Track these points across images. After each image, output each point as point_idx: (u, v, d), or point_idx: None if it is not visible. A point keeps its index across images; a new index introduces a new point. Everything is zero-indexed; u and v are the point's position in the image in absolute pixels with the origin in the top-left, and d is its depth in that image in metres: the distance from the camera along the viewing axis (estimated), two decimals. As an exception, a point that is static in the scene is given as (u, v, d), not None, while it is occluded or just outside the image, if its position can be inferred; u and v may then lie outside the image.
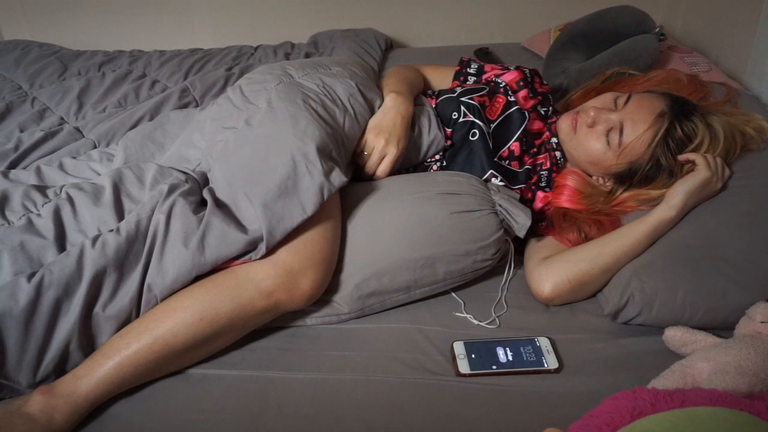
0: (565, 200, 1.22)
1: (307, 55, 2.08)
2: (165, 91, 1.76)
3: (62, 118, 1.66)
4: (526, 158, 1.30)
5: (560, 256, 1.13)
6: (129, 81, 1.87)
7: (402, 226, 1.10)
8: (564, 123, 1.26)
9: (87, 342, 0.95)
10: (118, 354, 0.92)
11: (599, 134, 1.20)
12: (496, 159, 1.27)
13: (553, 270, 1.11)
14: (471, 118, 1.29)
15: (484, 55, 2.10)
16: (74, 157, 1.30)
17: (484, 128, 1.27)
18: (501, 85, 1.36)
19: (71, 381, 0.90)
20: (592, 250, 1.12)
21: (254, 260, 1.01)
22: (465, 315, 1.11)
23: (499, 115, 1.30)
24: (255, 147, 1.07)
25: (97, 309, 0.95)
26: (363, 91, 1.26)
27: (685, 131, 1.16)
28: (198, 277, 1.01)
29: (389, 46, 2.26)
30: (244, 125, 1.12)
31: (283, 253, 1.01)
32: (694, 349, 0.98)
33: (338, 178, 1.04)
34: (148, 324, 0.94)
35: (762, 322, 0.95)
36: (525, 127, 1.29)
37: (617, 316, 1.06)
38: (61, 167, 1.22)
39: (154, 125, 1.35)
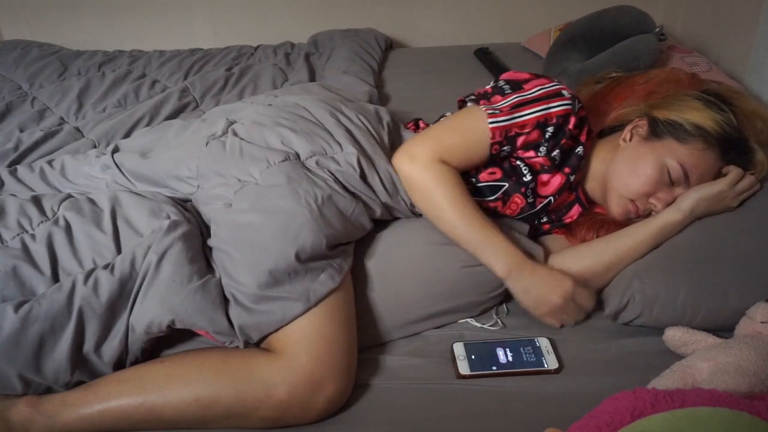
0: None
1: (308, 56, 2.08)
2: (165, 91, 1.76)
3: (62, 118, 1.65)
4: (545, 227, 1.23)
5: (564, 252, 1.14)
6: (129, 81, 1.87)
7: (416, 283, 1.07)
8: (618, 211, 1.14)
9: (78, 378, 0.93)
10: (107, 400, 0.89)
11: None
12: None
13: (556, 265, 1.11)
14: None
15: (484, 55, 2.10)
16: (74, 156, 1.28)
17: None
18: (522, 175, 1.14)
19: (58, 404, 0.89)
20: (596, 248, 1.12)
21: (271, 358, 0.92)
22: (465, 319, 1.11)
23: (518, 215, 1.17)
24: (240, 240, 0.98)
25: (88, 348, 0.92)
26: (370, 183, 1.10)
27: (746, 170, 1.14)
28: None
29: (389, 46, 2.26)
30: (237, 205, 1.02)
31: (303, 358, 0.90)
32: (694, 349, 0.98)
33: (327, 283, 0.96)
34: (146, 381, 0.90)
35: (762, 323, 0.95)
36: (562, 218, 1.21)
37: (617, 317, 1.06)
38: (62, 171, 1.20)
39: (151, 139, 1.27)
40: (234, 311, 0.94)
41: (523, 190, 1.14)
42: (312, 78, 1.92)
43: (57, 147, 1.45)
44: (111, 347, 0.93)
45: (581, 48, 1.81)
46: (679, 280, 1.03)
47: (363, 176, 1.09)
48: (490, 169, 1.15)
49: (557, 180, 1.15)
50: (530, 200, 1.15)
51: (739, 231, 1.09)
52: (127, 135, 1.51)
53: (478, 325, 1.09)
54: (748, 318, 0.98)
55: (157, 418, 0.89)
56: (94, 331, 0.92)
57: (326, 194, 1.02)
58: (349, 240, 1.06)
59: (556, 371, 0.99)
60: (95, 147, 1.46)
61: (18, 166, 1.23)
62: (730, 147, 1.12)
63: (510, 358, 1.00)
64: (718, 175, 1.13)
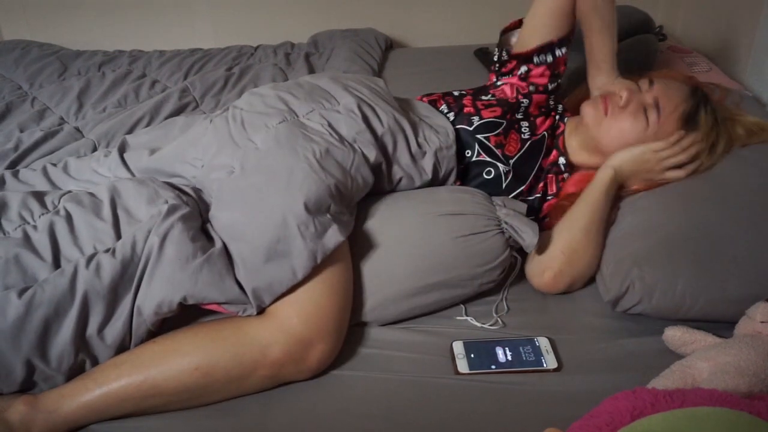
0: (570, 186, 1.26)
1: (308, 56, 2.08)
2: (165, 91, 1.76)
3: (62, 118, 1.66)
4: (532, 182, 1.27)
5: (549, 243, 1.16)
6: (129, 81, 1.87)
7: (407, 255, 1.08)
8: (590, 108, 1.23)
9: (81, 363, 0.93)
10: (107, 384, 0.89)
11: (635, 112, 1.19)
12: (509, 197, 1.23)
13: (546, 254, 1.14)
14: (486, 158, 1.23)
15: (484, 55, 2.10)
16: (79, 157, 1.29)
17: (502, 168, 1.23)
18: (521, 107, 1.28)
19: (56, 398, 0.90)
20: (566, 221, 1.17)
21: (262, 320, 0.95)
22: (465, 317, 1.11)
23: (518, 151, 1.25)
24: (245, 201, 1.02)
25: (91, 332, 0.92)
26: (372, 125, 1.15)
27: (713, 114, 1.21)
28: (200, 311, 1.00)
29: (389, 46, 2.26)
30: (238, 170, 1.05)
31: (294, 320, 0.95)
32: (694, 348, 0.98)
33: (334, 237, 0.98)
34: (143, 360, 0.92)
35: (762, 322, 0.95)
36: (541, 160, 1.26)
37: (617, 304, 1.07)
38: (65, 169, 1.21)
39: (156, 135, 1.30)
40: (244, 276, 0.96)
41: (516, 126, 1.26)
42: (312, 78, 1.93)
43: (57, 147, 1.46)
44: (114, 330, 0.94)
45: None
46: (678, 269, 1.04)
47: (365, 119, 1.14)
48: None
49: (549, 120, 1.29)
50: (525, 137, 1.26)
51: (739, 224, 1.09)
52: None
53: (478, 324, 1.09)
54: (747, 317, 0.98)
55: (159, 393, 0.90)
56: (97, 313, 0.93)
57: (323, 148, 1.07)
58: (352, 195, 1.09)
59: (556, 371, 0.99)
60: (95, 147, 1.47)
61: (20, 168, 1.24)
62: (698, 101, 1.20)
63: (509, 358, 1.00)
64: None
